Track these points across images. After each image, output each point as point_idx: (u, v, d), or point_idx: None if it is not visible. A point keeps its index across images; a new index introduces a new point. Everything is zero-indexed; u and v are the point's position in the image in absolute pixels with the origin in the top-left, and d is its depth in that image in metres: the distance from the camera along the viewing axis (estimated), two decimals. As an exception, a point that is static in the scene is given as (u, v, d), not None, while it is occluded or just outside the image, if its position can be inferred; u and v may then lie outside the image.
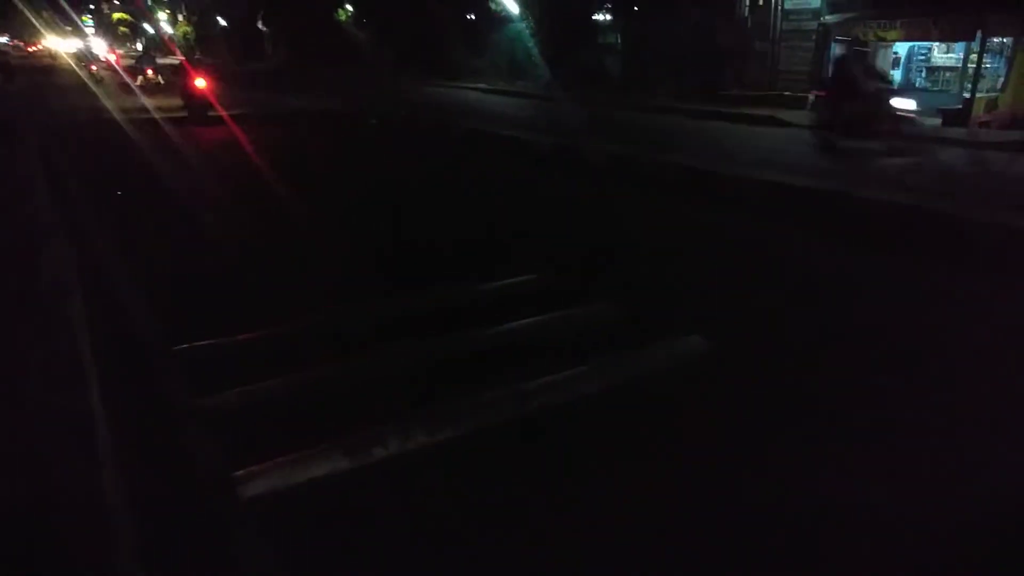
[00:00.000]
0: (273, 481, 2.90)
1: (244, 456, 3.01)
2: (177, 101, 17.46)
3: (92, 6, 74.80)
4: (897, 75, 17.60)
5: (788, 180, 8.47)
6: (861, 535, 2.63)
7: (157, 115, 15.85)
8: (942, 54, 16.62)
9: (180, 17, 59.37)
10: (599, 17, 23.69)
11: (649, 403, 3.63)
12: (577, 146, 11.50)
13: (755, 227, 7.26)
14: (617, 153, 10.77)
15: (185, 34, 58.39)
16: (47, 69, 37.99)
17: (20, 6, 42.17)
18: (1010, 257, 5.79)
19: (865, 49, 12.92)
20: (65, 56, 44.00)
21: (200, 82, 16.43)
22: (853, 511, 2.74)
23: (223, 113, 15.94)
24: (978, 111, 13.77)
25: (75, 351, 3.80)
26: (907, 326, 4.64)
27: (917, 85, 17.29)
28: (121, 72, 28.08)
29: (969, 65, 14.32)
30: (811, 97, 13.85)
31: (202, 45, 55.43)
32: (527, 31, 24.18)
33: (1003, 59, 14.36)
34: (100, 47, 40.70)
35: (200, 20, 55.50)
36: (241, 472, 2.93)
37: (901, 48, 17.14)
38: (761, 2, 17.96)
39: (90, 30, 61.55)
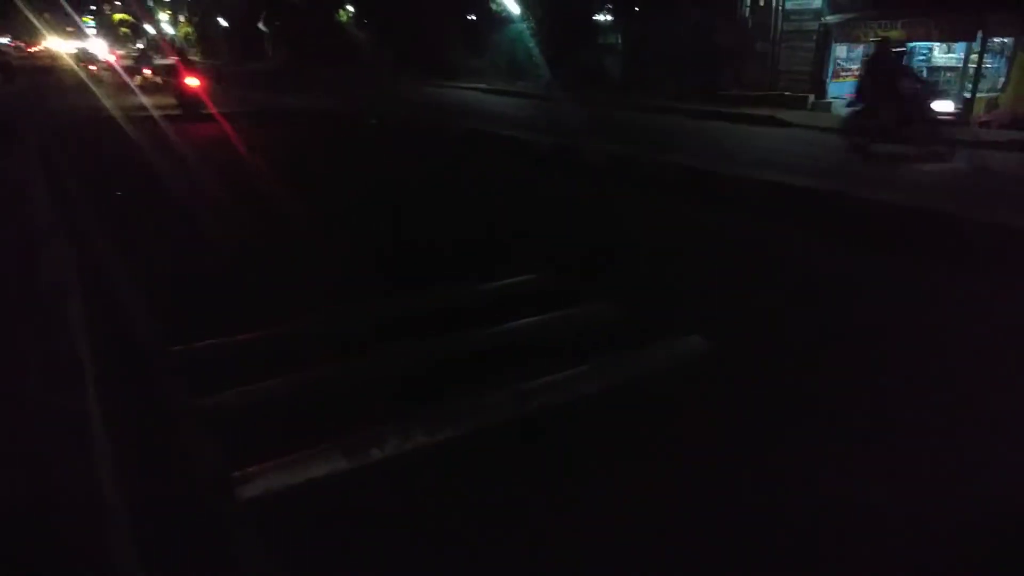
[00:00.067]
0: (272, 481, 2.90)
1: (243, 456, 3.01)
2: (173, 99, 17.85)
3: (93, 7, 74.92)
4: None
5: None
6: (861, 535, 2.62)
7: (153, 113, 16.29)
8: (943, 54, 16.61)
9: (181, 18, 59.47)
10: (600, 17, 23.68)
11: (649, 403, 3.63)
12: (577, 146, 11.50)
13: (756, 227, 7.25)
14: (617, 153, 10.77)
15: (186, 35, 58.49)
16: (47, 69, 38.14)
17: (21, 7, 42.23)
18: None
19: (901, 49, 12.24)
20: (65, 57, 44.31)
21: (192, 81, 16.95)
22: (853, 511, 2.74)
23: (214, 111, 16.49)
24: (978, 111, 13.77)
25: (74, 351, 3.80)
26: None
27: (918, 85, 17.30)
28: (120, 72, 28.66)
29: (970, 65, 14.32)
30: (845, 101, 13.22)
31: (203, 45, 55.54)
32: (527, 31, 24.19)
33: (1004, 59, 14.36)
34: (99, 48, 41.27)
35: (201, 21, 55.60)
36: (240, 472, 2.93)
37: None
38: (762, 2, 17.96)
39: (91, 31, 61.65)
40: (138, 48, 34.05)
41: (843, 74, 17.25)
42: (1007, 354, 4.20)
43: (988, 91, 14.21)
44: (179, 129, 14.28)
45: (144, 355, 4.13)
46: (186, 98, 17.00)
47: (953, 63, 16.07)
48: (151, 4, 61.86)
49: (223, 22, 50.74)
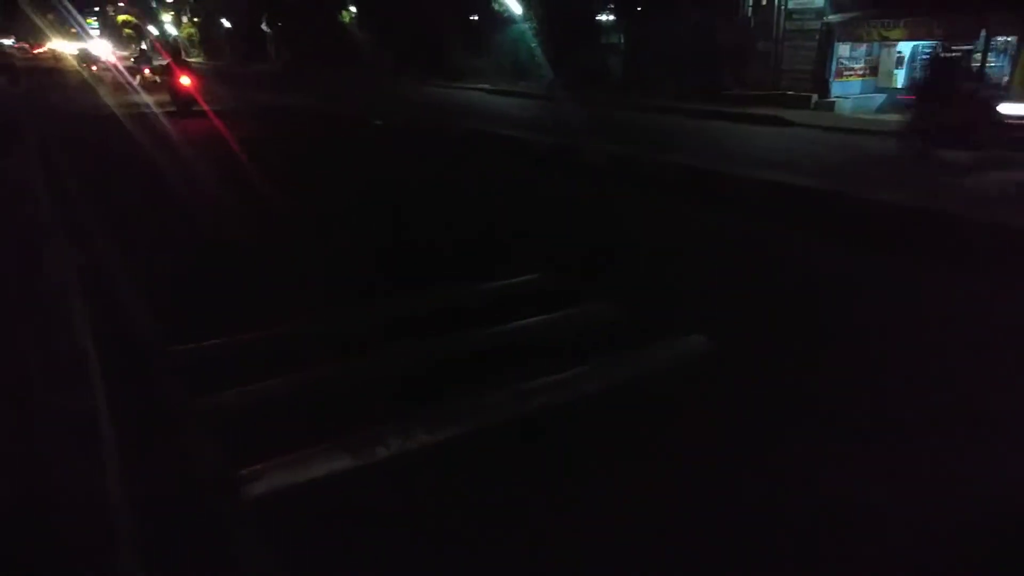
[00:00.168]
0: (274, 481, 2.91)
1: (245, 456, 3.02)
2: (169, 97, 18.93)
3: (97, 8, 75.12)
4: (901, 74, 17.58)
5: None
6: (861, 535, 2.62)
7: (148, 110, 17.48)
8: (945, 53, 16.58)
9: (184, 19, 59.59)
10: (602, 17, 23.67)
11: (649, 403, 3.63)
12: (578, 146, 11.49)
13: (754, 226, 7.24)
14: (618, 153, 10.76)
15: (189, 35, 58.63)
16: (51, 70, 38.63)
17: (25, 9, 42.40)
18: None
19: (966, 48, 11.39)
20: (69, 58, 44.99)
21: (185, 80, 17.91)
22: (853, 511, 2.73)
23: (206, 108, 17.40)
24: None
25: (76, 351, 3.82)
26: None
27: (920, 84, 17.26)
28: (120, 72, 29.94)
29: (973, 64, 14.27)
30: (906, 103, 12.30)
31: (206, 46, 55.66)
32: (529, 32, 24.19)
33: (1007, 58, 14.31)
34: (101, 49, 42.71)
35: (204, 22, 55.71)
36: (242, 472, 2.94)
37: (905, 47, 17.11)
38: (764, 2, 17.92)
39: (95, 32, 61.82)
40: (143, 48, 34.71)
41: (846, 73, 17.23)
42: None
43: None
44: (172, 124, 15.32)
45: (146, 355, 4.14)
46: (180, 96, 17.89)
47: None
48: (154, 5, 62.01)
49: (226, 23, 50.86)
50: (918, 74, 11.41)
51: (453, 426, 3.33)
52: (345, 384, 3.83)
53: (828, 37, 16.55)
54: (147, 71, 26.61)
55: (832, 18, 16.33)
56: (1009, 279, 5.42)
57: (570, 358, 4.01)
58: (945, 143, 9.86)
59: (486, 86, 25.01)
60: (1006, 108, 9.94)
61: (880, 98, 17.30)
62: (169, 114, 17.15)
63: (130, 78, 27.73)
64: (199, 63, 48.66)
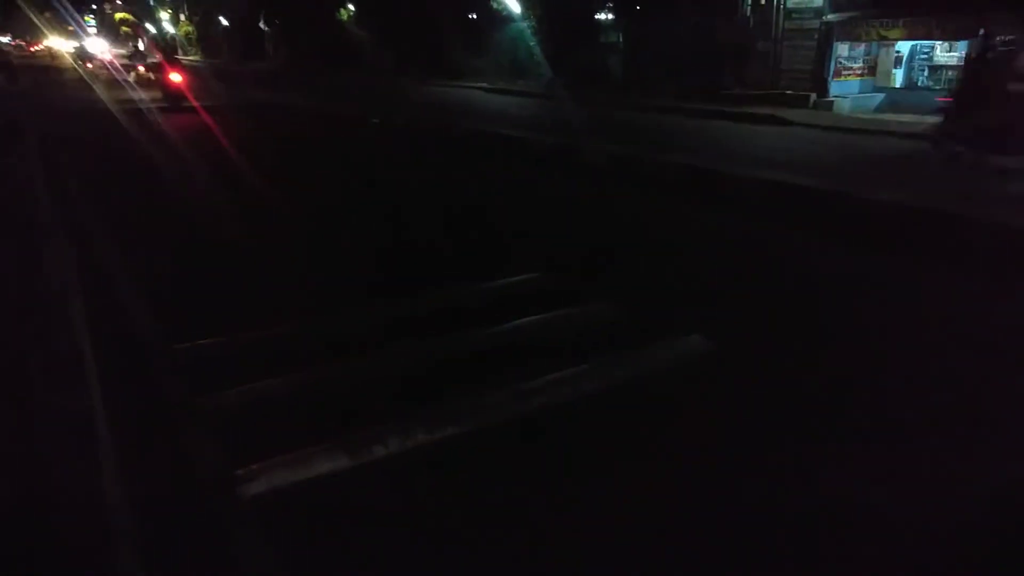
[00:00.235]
0: (274, 480, 2.91)
1: (245, 455, 3.02)
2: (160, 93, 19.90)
3: (94, 6, 74.87)
4: (899, 74, 17.60)
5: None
6: (861, 535, 2.62)
7: (140, 105, 18.33)
8: (944, 52, 16.60)
9: (182, 17, 59.45)
10: (601, 16, 23.66)
11: (649, 403, 3.63)
12: (578, 146, 11.48)
13: (756, 227, 7.25)
14: (618, 153, 10.76)
15: (187, 34, 58.50)
16: (48, 68, 38.97)
17: (22, 6, 42.38)
18: None
19: (1009, 47, 10.28)
20: (66, 56, 45.43)
21: (175, 77, 18.90)
22: (853, 511, 2.74)
23: (195, 104, 18.28)
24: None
25: (76, 349, 3.81)
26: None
27: (920, 84, 17.29)
28: (116, 69, 30.80)
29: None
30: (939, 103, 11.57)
31: (204, 45, 55.54)
32: (529, 30, 24.17)
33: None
34: (97, 47, 43.39)
35: (202, 20, 55.59)
36: (242, 471, 2.93)
37: (903, 47, 17.13)
38: (763, 1, 17.92)
39: (92, 30, 61.67)
40: (140, 47, 34.94)
41: (845, 73, 17.24)
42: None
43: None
44: (163, 119, 16.11)
45: (145, 353, 4.13)
46: (170, 92, 18.88)
47: (955, 62, 16.06)
48: (152, 3, 61.84)
49: (224, 21, 50.75)
50: (962, 74, 10.67)
51: (453, 426, 3.33)
52: (345, 384, 3.82)
53: (827, 36, 16.56)
54: (141, 68, 27.28)
55: (831, 17, 16.34)
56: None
57: (570, 358, 4.00)
58: (984, 147, 9.32)
59: (485, 85, 24.99)
60: None
61: (879, 97, 17.33)
62: (160, 109, 17.88)
63: (125, 75, 28.31)
64: (197, 61, 48.70)
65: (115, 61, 34.73)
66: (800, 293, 5.32)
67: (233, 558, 2.53)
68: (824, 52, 16.65)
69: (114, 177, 9.91)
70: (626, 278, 5.70)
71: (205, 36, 56.47)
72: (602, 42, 23.55)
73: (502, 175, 10.49)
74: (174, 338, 4.23)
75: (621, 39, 22.80)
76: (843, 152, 11.34)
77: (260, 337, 4.35)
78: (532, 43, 23.89)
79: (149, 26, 59.49)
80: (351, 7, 35.09)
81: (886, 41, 16.40)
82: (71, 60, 41.37)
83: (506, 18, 25.24)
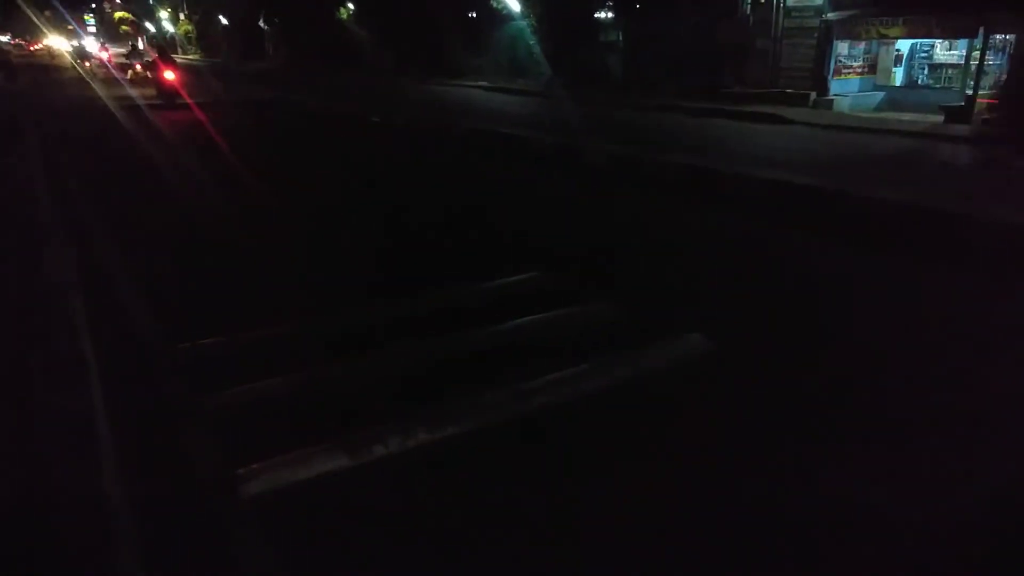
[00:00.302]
0: (274, 479, 2.91)
1: (245, 455, 3.02)
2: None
3: (94, 5, 74.84)
4: (899, 72, 17.59)
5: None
6: (861, 535, 2.62)
7: (135, 102, 18.95)
8: (944, 51, 16.59)
9: (182, 16, 59.40)
10: (601, 15, 23.64)
11: (649, 402, 3.63)
12: (577, 145, 11.47)
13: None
14: (618, 152, 10.75)
15: (187, 33, 58.46)
16: (47, 67, 39.26)
17: (22, 5, 42.46)
18: None
19: None
20: (65, 54, 45.98)
21: (168, 74, 19.43)
22: (853, 511, 2.74)
23: (189, 100, 19.12)
24: (980, 108, 13.74)
25: (76, 349, 3.81)
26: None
27: (920, 83, 17.28)
28: (113, 68, 31.89)
29: (971, 62, 14.29)
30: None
31: (203, 43, 55.49)
32: (528, 29, 24.15)
33: (1005, 56, 14.32)
34: (94, 45, 44.47)
35: (201, 19, 55.54)
36: (242, 470, 2.94)
37: (903, 45, 17.12)
38: (763, 0, 17.91)
39: (92, 29, 61.67)
40: (139, 46, 35.26)
41: (845, 71, 17.24)
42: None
43: (990, 88, 14.17)
44: (156, 115, 16.80)
45: (147, 353, 4.13)
46: (164, 89, 19.50)
47: (955, 60, 16.05)
48: (152, 2, 61.81)
49: (224, 20, 50.71)
50: (1011, 72, 10.20)
51: (453, 426, 3.33)
52: (345, 384, 3.83)
53: (827, 35, 16.55)
54: (138, 66, 27.81)
55: (831, 16, 16.32)
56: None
57: (570, 357, 4.00)
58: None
59: (485, 84, 24.97)
60: None
61: (879, 96, 17.32)
62: (154, 106, 18.40)
63: (122, 73, 28.99)
64: (197, 60, 48.71)
65: (112, 59, 35.32)
66: (800, 293, 5.31)
67: (233, 558, 2.53)
68: (824, 50, 16.64)
69: (109, 172, 10.08)
70: (626, 278, 5.70)
71: (205, 35, 56.43)
72: (602, 41, 23.53)
73: (502, 174, 10.48)
74: (174, 338, 4.24)
75: (621, 38, 22.79)
76: (843, 151, 11.32)
77: (260, 337, 4.35)
78: (532, 42, 23.87)
79: (148, 25, 59.52)
80: (351, 6, 35.06)
81: (886, 39, 16.39)
82: (70, 59, 41.70)
83: (506, 17, 25.22)
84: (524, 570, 2.52)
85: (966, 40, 14.63)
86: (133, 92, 21.86)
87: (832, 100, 16.46)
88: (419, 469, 3.07)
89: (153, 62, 21.99)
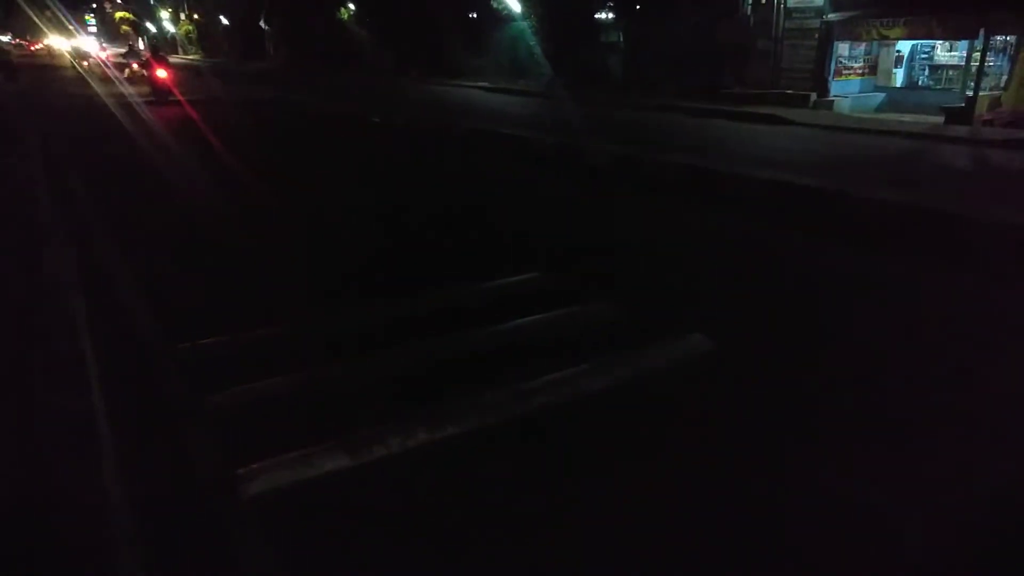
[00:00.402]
0: (275, 479, 2.91)
1: (246, 455, 3.02)
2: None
3: (95, 4, 74.90)
4: (900, 73, 17.60)
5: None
6: (861, 535, 2.62)
7: (133, 99, 19.99)
8: (945, 52, 16.61)
9: (182, 16, 59.45)
10: (601, 16, 23.65)
11: (650, 402, 3.63)
12: (578, 145, 11.47)
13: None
14: (618, 153, 10.74)
15: (187, 33, 58.51)
16: (47, 66, 39.75)
17: (22, 5, 42.61)
18: None
19: None
20: (65, 54, 46.69)
21: (161, 73, 20.33)
22: (853, 511, 2.74)
23: (180, 98, 20.00)
24: (981, 109, 13.75)
25: (76, 349, 3.81)
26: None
27: (920, 83, 17.30)
28: (110, 67, 32.68)
29: (972, 63, 14.30)
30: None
31: (204, 44, 55.54)
32: (529, 30, 24.16)
33: (1006, 57, 14.34)
34: (92, 45, 45.69)
35: (203, 19, 55.60)
36: (243, 470, 2.94)
37: (904, 46, 17.13)
38: (763, 0, 17.92)
39: (92, 29, 61.76)
40: (139, 46, 35.67)
41: (845, 72, 17.25)
42: None
43: (991, 89, 14.19)
44: (148, 111, 17.61)
45: (147, 353, 4.14)
46: (157, 87, 20.38)
47: (955, 61, 16.07)
48: (152, 2, 61.85)
49: (224, 20, 50.74)
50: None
51: (453, 426, 3.33)
52: (347, 383, 3.83)
53: (827, 36, 16.56)
54: (135, 65, 28.45)
55: (832, 17, 16.34)
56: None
57: (570, 358, 4.00)
58: None
59: (485, 84, 24.98)
60: None
61: (879, 97, 17.33)
62: (148, 103, 19.17)
63: (119, 72, 29.60)
64: (197, 60, 48.76)
65: (110, 59, 36.03)
66: (800, 293, 5.31)
67: (233, 558, 2.53)
68: (824, 51, 16.65)
69: (104, 162, 10.50)
70: (626, 278, 5.70)
71: (206, 35, 56.49)
72: (602, 41, 23.55)
73: (502, 174, 10.48)
74: (174, 338, 4.24)
75: (621, 38, 22.81)
76: (843, 151, 11.32)
77: (261, 337, 4.35)
78: (532, 43, 23.88)
79: (149, 25, 59.56)
80: (351, 7, 35.09)
81: (887, 40, 16.41)
82: (69, 58, 42.17)
83: (506, 17, 25.23)
84: (524, 570, 2.52)
85: (967, 41, 14.63)
86: (127, 90, 22.64)
87: (832, 101, 16.47)
88: (419, 469, 3.07)
89: (147, 61, 22.79)
